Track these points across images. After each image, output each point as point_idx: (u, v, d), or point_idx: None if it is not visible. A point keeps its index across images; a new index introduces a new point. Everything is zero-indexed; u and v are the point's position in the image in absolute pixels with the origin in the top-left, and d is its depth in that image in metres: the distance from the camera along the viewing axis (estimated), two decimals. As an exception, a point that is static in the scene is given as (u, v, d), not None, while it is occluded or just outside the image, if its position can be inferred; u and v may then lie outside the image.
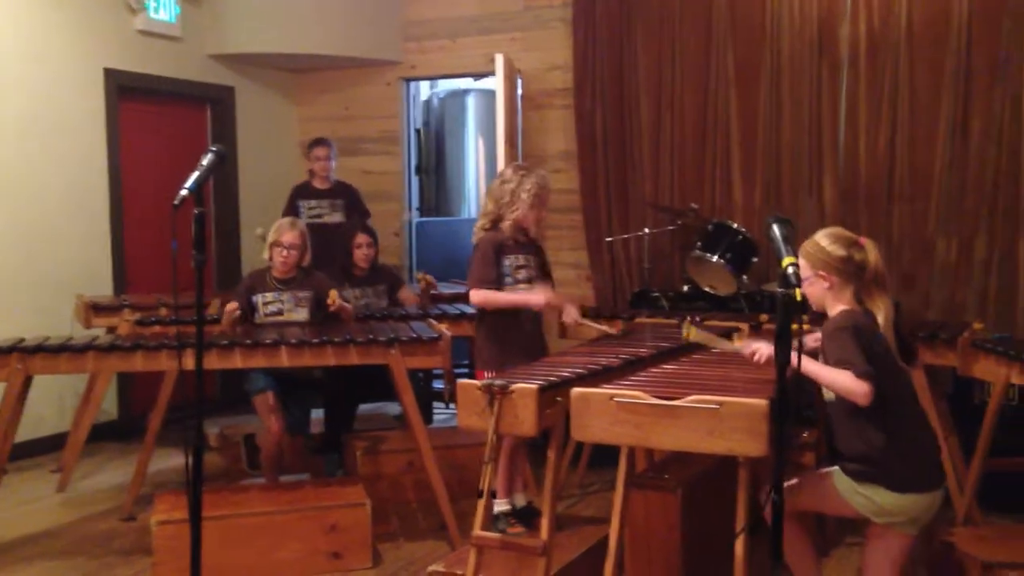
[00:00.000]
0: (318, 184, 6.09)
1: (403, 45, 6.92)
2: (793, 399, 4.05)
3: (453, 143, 8.26)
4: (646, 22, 6.04)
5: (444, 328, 4.27)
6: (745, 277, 5.30)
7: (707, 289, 5.37)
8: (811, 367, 2.80)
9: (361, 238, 5.31)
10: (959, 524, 3.90)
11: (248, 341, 4.03)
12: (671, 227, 5.78)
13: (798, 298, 2.25)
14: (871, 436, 2.82)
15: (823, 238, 2.95)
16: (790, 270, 2.31)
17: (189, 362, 3.21)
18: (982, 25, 5.24)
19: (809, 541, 3.10)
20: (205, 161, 2.50)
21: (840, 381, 2.74)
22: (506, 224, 3.85)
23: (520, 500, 3.97)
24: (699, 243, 5.33)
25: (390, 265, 5.93)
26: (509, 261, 3.89)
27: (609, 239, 6.14)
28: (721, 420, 2.73)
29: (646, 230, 5.77)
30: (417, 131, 7.83)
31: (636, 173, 6.16)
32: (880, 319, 2.90)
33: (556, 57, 6.39)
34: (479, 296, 3.84)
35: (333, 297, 4.49)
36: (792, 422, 4.40)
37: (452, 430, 5.18)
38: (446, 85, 8.30)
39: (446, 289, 6.00)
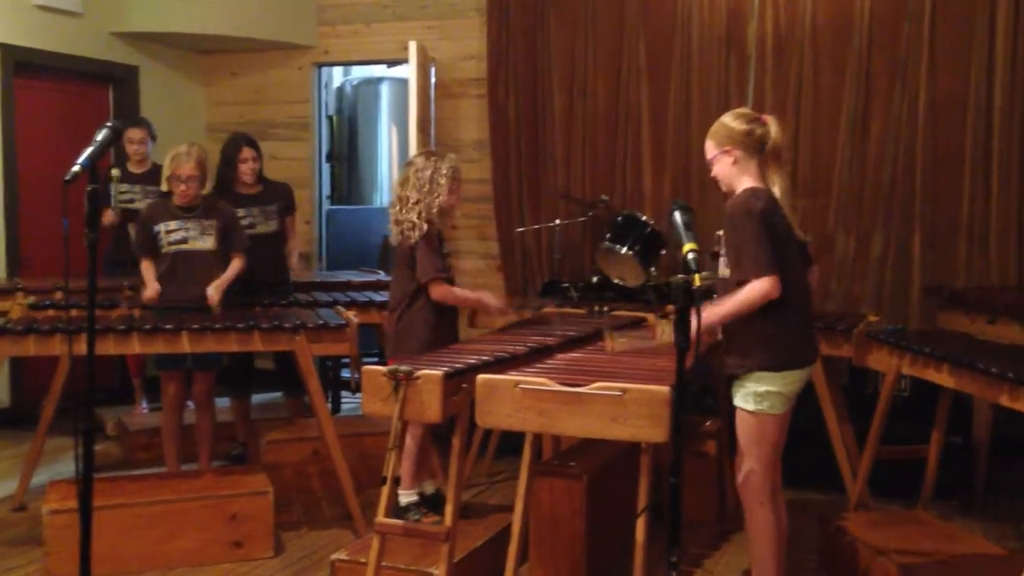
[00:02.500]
0: (132, 168, 5.67)
1: (317, 29, 6.81)
2: (696, 387, 4.15)
3: (366, 131, 8.17)
4: (559, 13, 6.07)
5: (352, 315, 4.23)
6: (654, 269, 5.37)
7: (616, 281, 5.43)
8: (717, 311, 2.92)
9: (246, 151, 5.01)
10: (851, 510, 4.03)
11: (147, 327, 3.92)
12: (582, 218, 5.83)
13: (697, 283, 2.28)
14: (756, 318, 2.95)
15: (727, 117, 3.13)
16: (690, 256, 2.35)
17: (84, 347, 3.10)
18: (883, 28, 5.41)
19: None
20: (99, 136, 2.42)
21: (750, 299, 2.88)
22: (434, 213, 3.83)
23: (429, 488, 3.96)
24: (608, 235, 5.38)
25: (282, 182, 5.42)
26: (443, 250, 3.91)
27: (520, 229, 6.16)
28: (624, 407, 2.76)
29: (557, 221, 5.80)
30: (329, 118, 7.72)
31: (548, 164, 6.19)
32: (777, 192, 3.04)
33: (470, 46, 6.38)
34: (441, 291, 3.80)
35: (211, 296, 4.36)
36: (694, 410, 4.52)
37: (359, 418, 5.13)
38: (359, 72, 8.20)
39: (357, 277, 5.93)
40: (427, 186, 3.79)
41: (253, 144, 5.10)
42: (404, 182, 3.86)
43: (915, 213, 5.41)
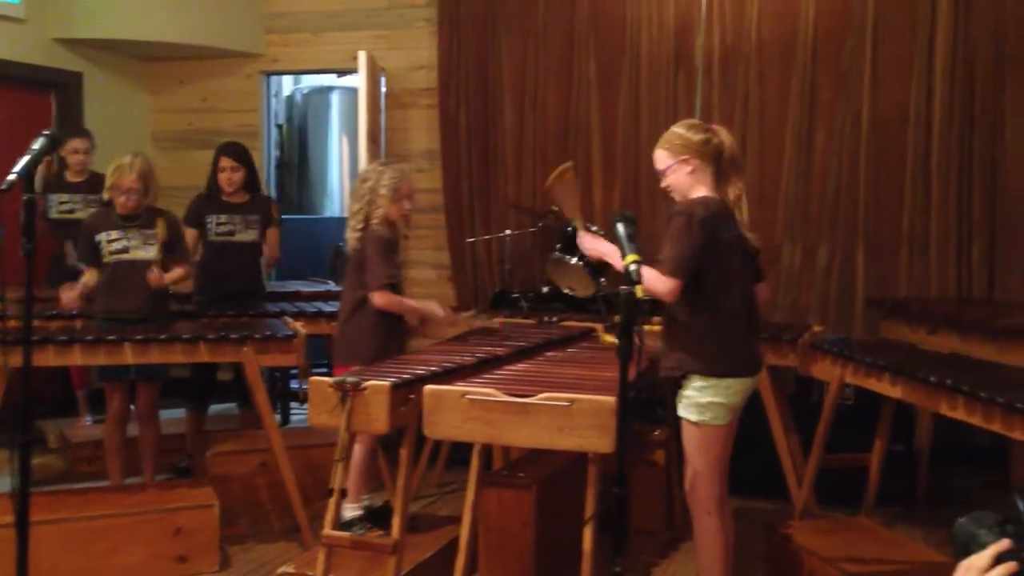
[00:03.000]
0: (71, 177, 5.57)
1: (265, 37, 6.76)
2: (644, 397, 4.17)
3: (316, 140, 8.13)
4: (510, 24, 6.09)
5: (300, 326, 4.19)
6: (603, 279, 5.40)
7: (566, 291, 5.44)
8: (610, 250, 2.98)
9: (224, 161, 5.07)
10: (797, 517, 4.08)
11: (89, 337, 3.85)
12: (532, 229, 5.84)
13: (639, 295, 2.30)
14: (695, 325, 3.00)
15: (680, 127, 3.15)
16: (632, 267, 2.37)
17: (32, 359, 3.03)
18: (826, 42, 5.51)
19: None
20: (36, 145, 2.38)
21: (650, 284, 2.89)
22: (374, 223, 3.81)
23: (377, 500, 3.93)
24: (559, 245, 5.40)
25: (269, 197, 5.46)
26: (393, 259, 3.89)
27: (471, 239, 6.16)
28: (571, 417, 2.78)
29: (508, 231, 5.81)
30: (279, 127, 7.67)
31: (499, 174, 6.20)
32: (733, 197, 3.10)
33: (420, 56, 6.37)
34: (384, 299, 3.78)
35: (153, 274, 4.31)
36: (642, 419, 4.55)
37: (308, 430, 5.07)
38: (310, 81, 8.16)
39: (306, 287, 5.89)
40: (367, 196, 3.80)
41: (232, 154, 5.14)
42: (353, 191, 3.91)
43: (859, 225, 5.50)
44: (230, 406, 5.71)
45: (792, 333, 4.25)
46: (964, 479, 4.97)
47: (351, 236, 3.83)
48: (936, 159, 5.35)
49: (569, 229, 3.32)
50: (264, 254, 5.35)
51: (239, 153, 5.16)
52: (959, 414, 3.10)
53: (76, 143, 5.54)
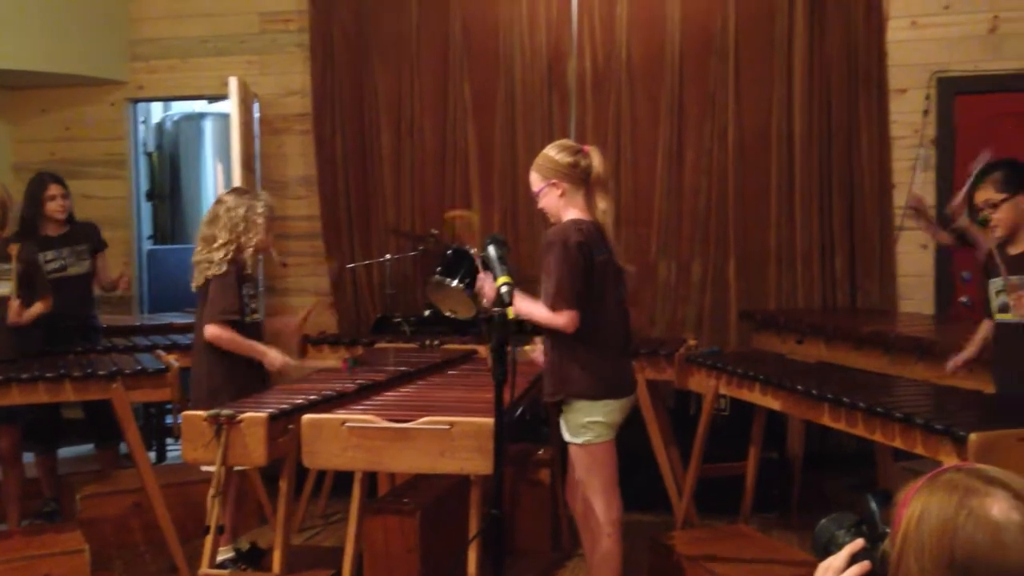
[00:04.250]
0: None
1: (129, 64, 6.56)
2: (528, 416, 4.20)
3: (189, 168, 7.90)
4: (384, 49, 6.09)
5: (173, 359, 4.07)
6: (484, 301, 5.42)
7: (448, 314, 5.44)
8: (522, 305, 2.98)
9: (53, 188, 4.80)
10: (678, 528, 4.17)
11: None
12: (413, 253, 5.82)
13: (511, 316, 2.33)
14: (572, 347, 3.05)
15: (551, 150, 3.18)
16: (504, 290, 2.40)
17: None
18: (692, 64, 5.69)
19: None
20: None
21: (545, 323, 2.98)
22: (247, 253, 3.73)
23: (243, 544, 3.81)
24: (439, 268, 5.40)
25: (88, 221, 5.18)
26: (246, 290, 3.77)
27: (351, 265, 6.10)
28: (452, 440, 2.78)
29: (388, 256, 5.78)
30: (149, 155, 7.44)
31: (378, 199, 6.17)
32: (599, 216, 3.15)
33: (294, 81, 6.30)
34: (214, 333, 3.62)
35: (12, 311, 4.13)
36: (525, 439, 4.58)
37: (185, 465, 4.92)
38: (181, 107, 7.95)
39: (180, 319, 5.72)
40: (242, 224, 3.67)
41: (60, 181, 4.90)
42: (213, 220, 3.72)
43: (729, 240, 5.69)
44: (82, 448, 5.47)
45: (668, 348, 4.36)
46: (835, 483, 5.17)
47: (202, 267, 3.67)
48: (798, 174, 5.58)
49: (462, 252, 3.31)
50: (101, 281, 5.11)
51: (61, 179, 4.93)
52: (825, 420, 3.23)
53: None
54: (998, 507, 1.15)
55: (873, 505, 1.38)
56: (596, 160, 3.16)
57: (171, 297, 6.52)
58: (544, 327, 3.02)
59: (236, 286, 3.67)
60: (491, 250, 2.56)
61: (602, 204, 3.16)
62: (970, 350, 3.45)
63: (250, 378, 3.74)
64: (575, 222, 3.10)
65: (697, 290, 5.75)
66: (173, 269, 7.18)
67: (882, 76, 5.53)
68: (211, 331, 3.63)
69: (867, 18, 5.49)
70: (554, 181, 3.12)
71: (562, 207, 3.15)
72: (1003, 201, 3.19)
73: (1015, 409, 2.98)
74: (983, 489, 1.17)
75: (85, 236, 5.01)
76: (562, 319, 2.96)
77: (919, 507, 1.20)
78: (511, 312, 2.33)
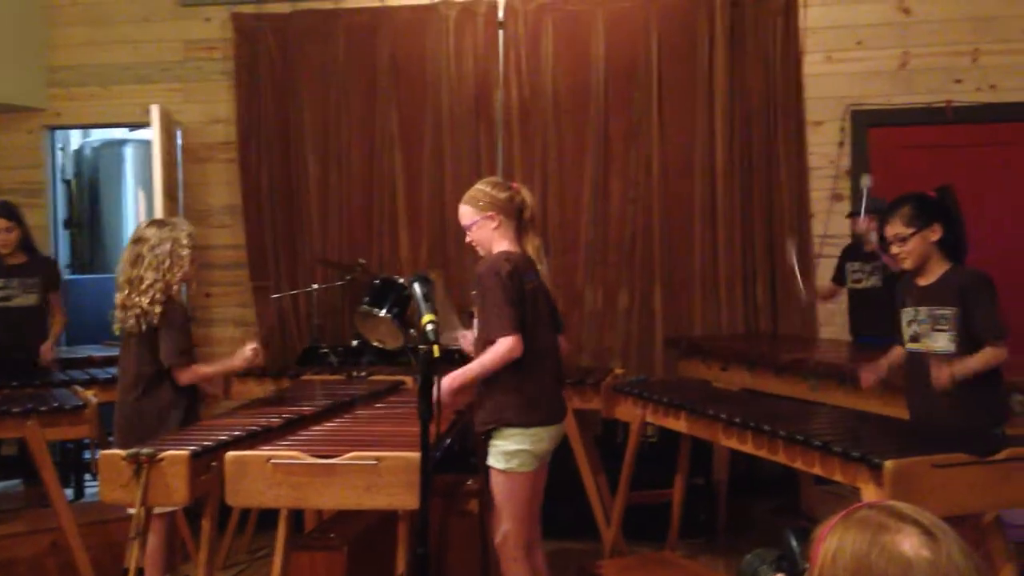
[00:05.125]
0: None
1: (47, 91, 6.42)
2: (456, 447, 4.20)
3: (109, 195, 7.74)
4: (310, 78, 6.06)
5: (91, 395, 3.97)
6: (412, 331, 5.40)
7: (376, 343, 5.41)
8: (465, 372, 3.02)
9: (1, 222, 4.79)
10: (607, 556, 4.20)
11: None
12: (340, 282, 5.78)
13: (436, 354, 2.33)
14: (503, 376, 3.06)
15: (484, 184, 3.25)
16: (429, 327, 2.41)
17: None
18: (616, 96, 5.79)
19: None
20: None
21: (494, 359, 3.00)
22: (175, 290, 3.66)
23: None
24: (367, 298, 5.37)
25: (50, 257, 5.20)
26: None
27: (277, 296, 6.02)
28: (379, 475, 2.76)
29: (315, 286, 5.73)
30: (67, 182, 7.27)
31: (304, 228, 6.12)
32: (531, 252, 3.21)
33: (218, 110, 6.23)
34: (189, 375, 3.61)
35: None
36: (455, 469, 4.57)
37: (104, 504, 4.80)
38: (101, 135, 7.80)
39: (99, 352, 5.57)
40: (167, 261, 3.58)
41: (5, 213, 4.86)
42: (136, 261, 3.58)
43: (655, 268, 5.78)
44: (11, 483, 5.32)
45: (595, 377, 4.40)
46: (759, 508, 5.25)
47: (135, 312, 3.54)
48: (721, 203, 5.70)
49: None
50: (54, 319, 5.04)
51: (10, 211, 4.87)
52: (749, 448, 3.29)
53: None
54: (909, 543, 1.19)
55: (792, 541, 1.41)
56: (528, 197, 3.26)
57: (90, 328, 6.36)
58: (493, 364, 3.02)
59: (185, 325, 3.64)
60: (416, 288, 2.57)
61: (535, 240, 3.24)
62: (883, 363, 3.55)
63: (195, 412, 3.74)
64: (505, 253, 3.14)
65: (623, 317, 5.82)
66: (92, 300, 7.00)
67: (799, 108, 5.70)
68: (185, 376, 3.60)
69: (784, 52, 5.66)
70: (490, 214, 3.17)
71: (495, 239, 3.20)
72: (911, 235, 3.31)
73: (928, 436, 3.08)
74: (895, 526, 1.22)
75: (40, 271, 4.99)
76: (510, 343, 2.99)
77: (834, 543, 1.24)
78: (436, 350, 2.34)
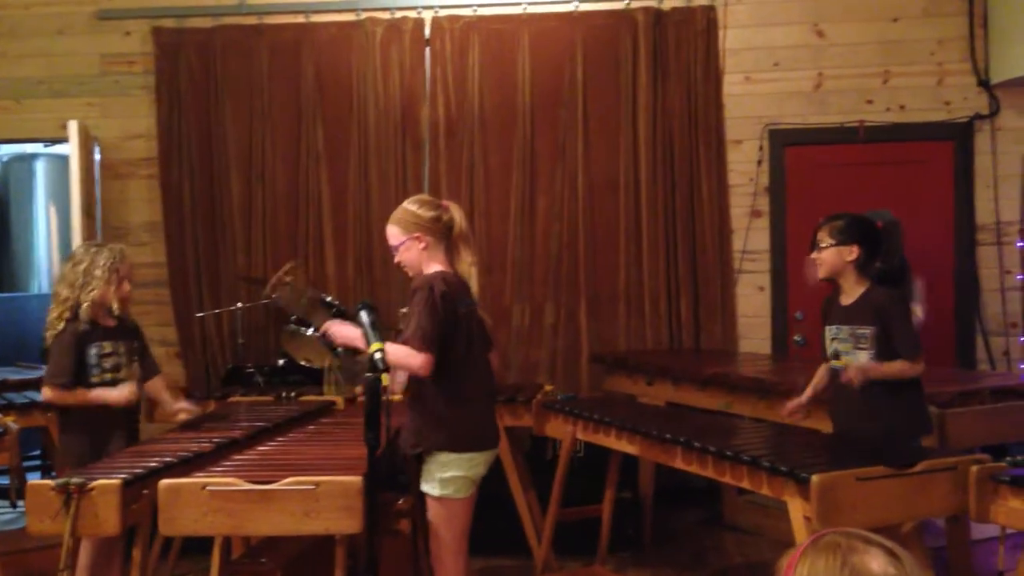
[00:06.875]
0: None
1: (-43, 105, 6.21)
2: (387, 465, 4.20)
3: (19, 212, 7.54)
4: (234, 94, 5.98)
5: (11, 421, 3.86)
6: (340, 349, 5.37)
7: (303, 363, 5.37)
8: (355, 336, 2.96)
9: None
10: (538, 572, 4.23)
11: None
12: (265, 301, 5.71)
13: (385, 383, 2.34)
14: (437, 399, 3.06)
15: (411, 204, 3.21)
16: (377, 355, 2.42)
17: None
18: (542, 114, 5.86)
19: None
20: None
21: (402, 363, 2.94)
22: (84, 308, 3.57)
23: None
24: (293, 317, 5.33)
25: None
26: (94, 351, 3.60)
27: (200, 314, 5.92)
28: (317, 500, 2.76)
29: (239, 304, 5.65)
30: (-25, 197, 7.06)
31: (228, 246, 6.03)
32: (464, 270, 3.19)
33: (138, 125, 6.09)
34: (48, 394, 3.56)
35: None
36: (387, 488, 4.55)
37: (21, 531, 4.64)
38: (10, 148, 7.57)
39: (14, 375, 5.41)
40: (81, 279, 3.55)
41: None
42: (60, 278, 3.63)
43: (580, 284, 5.85)
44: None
45: (526, 394, 4.44)
46: (684, 519, 5.36)
47: (53, 322, 3.54)
48: (645, 219, 5.80)
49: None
50: None
51: None
52: (678, 463, 3.37)
53: None
54: (876, 563, 1.29)
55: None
56: (457, 215, 3.23)
57: (3, 350, 6.17)
58: (397, 364, 2.97)
59: (72, 346, 3.54)
60: (363, 316, 2.57)
61: (468, 258, 3.22)
62: (806, 394, 3.67)
63: (121, 433, 3.65)
64: (441, 273, 3.14)
65: (550, 333, 5.88)
66: (3, 319, 6.80)
67: (720, 127, 5.84)
68: (44, 395, 3.58)
69: (705, 72, 5.81)
70: (417, 235, 3.16)
71: (424, 260, 3.19)
72: (828, 247, 3.46)
73: (851, 449, 3.21)
74: (862, 548, 1.31)
75: None
76: (417, 360, 2.96)
77: (806, 569, 1.32)
78: (385, 378, 2.34)
